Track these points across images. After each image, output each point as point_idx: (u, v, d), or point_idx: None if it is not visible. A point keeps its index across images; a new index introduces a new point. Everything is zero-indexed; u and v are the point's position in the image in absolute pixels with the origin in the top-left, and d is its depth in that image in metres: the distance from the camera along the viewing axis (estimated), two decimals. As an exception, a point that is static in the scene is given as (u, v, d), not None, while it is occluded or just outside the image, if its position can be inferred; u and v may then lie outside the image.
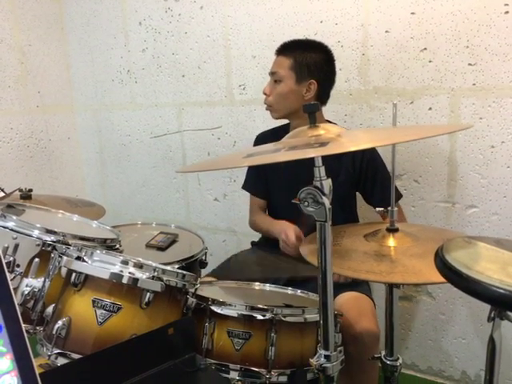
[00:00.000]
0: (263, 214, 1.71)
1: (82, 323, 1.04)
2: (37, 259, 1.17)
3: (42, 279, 1.17)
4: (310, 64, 1.47)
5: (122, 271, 1.06)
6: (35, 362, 0.60)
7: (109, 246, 1.31)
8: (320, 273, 0.91)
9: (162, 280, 1.06)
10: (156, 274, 1.07)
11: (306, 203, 0.87)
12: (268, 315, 1.09)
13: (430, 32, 1.60)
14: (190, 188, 2.34)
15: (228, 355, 1.10)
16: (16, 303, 0.59)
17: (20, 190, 1.65)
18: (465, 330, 1.74)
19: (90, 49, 2.53)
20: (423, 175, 1.71)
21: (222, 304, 1.12)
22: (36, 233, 1.19)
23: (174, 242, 1.71)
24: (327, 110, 1.61)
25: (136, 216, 2.51)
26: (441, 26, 1.58)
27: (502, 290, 0.60)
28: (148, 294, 1.05)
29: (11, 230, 1.18)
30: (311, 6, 1.81)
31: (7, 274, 0.59)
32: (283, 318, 1.10)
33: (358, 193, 1.63)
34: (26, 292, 1.15)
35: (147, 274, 1.07)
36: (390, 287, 1.11)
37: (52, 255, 1.17)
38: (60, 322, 1.03)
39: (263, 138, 1.68)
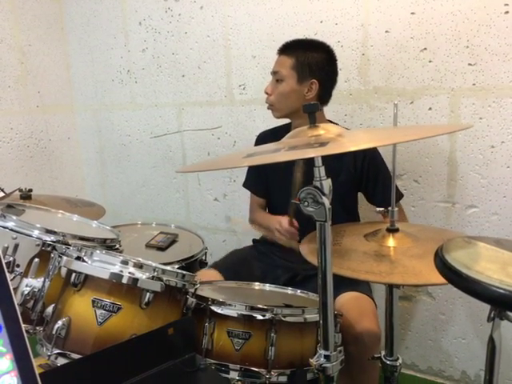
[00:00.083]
0: (262, 212, 1.72)
1: (81, 323, 1.04)
2: (37, 259, 1.17)
3: (42, 279, 1.17)
4: (311, 64, 1.47)
5: (121, 271, 1.06)
6: (35, 362, 0.60)
7: (109, 246, 1.31)
8: (320, 273, 0.91)
9: (161, 280, 1.06)
10: (156, 274, 1.07)
11: (306, 203, 0.87)
12: (268, 315, 1.09)
13: (430, 32, 1.60)
14: (189, 188, 2.34)
15: (228, 355, 1.10)
16: (16, 303, 0.59)
17: (20, 190, 1.65)
18: (465, 330, 1.74)
19: (89, 49, 2.53)
20: (423, 175, 1.71)
21: (221, 304, 1.12)
22: (36, 233, 1.19)
23: (173, 241, 1.72)
24: (327, 110, 1.61)
25: (136, 216, 2.51)
26: (441, 26, 1.58)
27: (501, 290, 0.60)
28: (148, 294, 1.05)
29: (11, 230, 1.18)
30: (311, 5, 1.81)
31: (7, 274, 0.59)
32: (283, 318, 1.10)
33: (359, 193, 1.63)
34: (26, 292, 1.15)
35: (147, 274, 1.07)
36: (390, 287, 1.11)
37: (52, 255, 1.17)
38: (60, 322, 1.03)
39: (264, 138, 1.68)
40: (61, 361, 1.02)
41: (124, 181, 2.58)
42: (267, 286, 1.40)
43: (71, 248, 1.14)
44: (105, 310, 1.04)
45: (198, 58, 2.15)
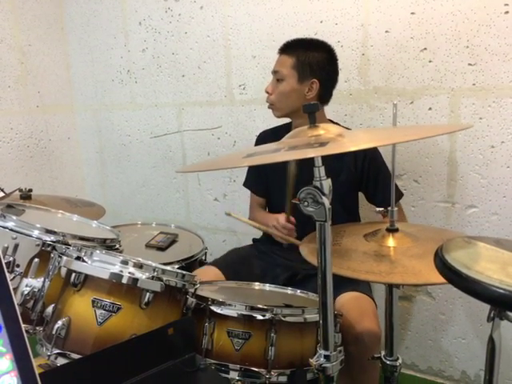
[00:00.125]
0: (262, 211, 1.72)
1: (81, 323, 1.04)
2: (36, 259, 1.17)
3: (42, 279, 1.17)
4: (312, 63, 1.47)
5: (121, 271, 1.06)
6: (35, 362, 0.60)
7: (108, 245, 1.31)
8: (320, 273, 0.91)
9: (161, 280, 1.06)
10: (156, 274, 1.07)
11: (306, 203, 0.87)
12: (268, 315, 1.09)
13: (430, 32, 1.60)
14: (189, 188, 2.34)
15: (228, 355, 1.10)
16: (16, 303, 0.59)
17: (20, 190, 1.65)
18: (464, 330, 1.74)
19: (89, 49, 2.53)
20: (423, 175, 1.71)
21: (221, 304, 1.12)
22: (36, 233, 1.19)
23: (173, 241, 1.72)
24: (327, 110, 1.61)
25: (136, 216, 2.51)
26: (441, 26, 1.58)
27: (501, 290, 0.60)
28: (148, 294, 1.05)
29: (11, 230, 1.18)
30: (311, 5, 1.81)
31: (7, 274, 0.59)
32: (283, 318, 1.10)
33: (359, 193, 1.63)
34: (26, 292, 1.16)
35: (147, 274, 1.07)
36: (390, 287, 1.11)
37: (52, 255, 1.17)
38: (60, 322, 1.03)
39: (264, 137, 1.68)
40: (61, 361, 1.02)
41: (124, 181, 2.58)
42: (267, 286, 1.40)
43: (71, 248, 1.14)
44: (105, 310, 1.04)
45: (198, 58, 2.15)
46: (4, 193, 1.58)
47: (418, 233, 1.13)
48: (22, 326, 0.59)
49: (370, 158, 1.54)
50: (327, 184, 0.88)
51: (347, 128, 1.56)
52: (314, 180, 0.88)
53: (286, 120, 1.64)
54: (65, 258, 1.09)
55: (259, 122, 2.02)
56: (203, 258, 1.66)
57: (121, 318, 1.04)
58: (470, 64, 1.56)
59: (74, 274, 1.06)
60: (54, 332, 1.03)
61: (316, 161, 0.87)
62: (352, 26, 1.74)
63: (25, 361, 0.59)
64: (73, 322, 1.04)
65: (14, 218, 1.21)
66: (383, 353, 1.15)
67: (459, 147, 1.63)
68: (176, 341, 1.04)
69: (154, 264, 1.12)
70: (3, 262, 0.59)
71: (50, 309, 1.11)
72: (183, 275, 1.13)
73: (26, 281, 1.17)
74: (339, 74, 1.55)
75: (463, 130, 1.58)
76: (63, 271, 1.09)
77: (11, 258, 1.16)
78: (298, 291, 1.37)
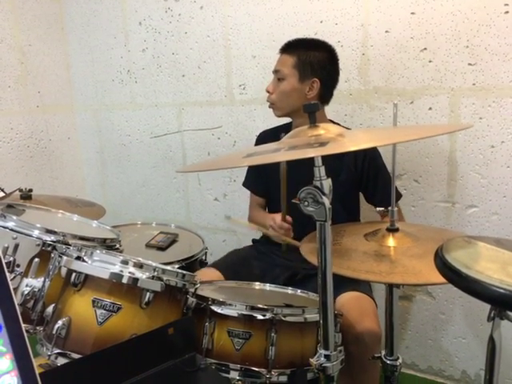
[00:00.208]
0: (261, 211, 1.72)
1: (81, 323, 1.04)
2: (37, 259, 1.17)
3: (42, 279, 1.17)
4: (313, 62, 1.47)
5: (121, 271, 1.06)
6: (35, 362, 0.60)
7: (109, 245, 1.31)
8: (320, 272, 0.91)
9: (161, 280, 1.06)
10: (156, 273, 1.07)
11: (306, 203, 0.87)
12: (268, 315, 1.09)
13: (430, 32, 1.60)
14: (190, 188, 2.34)
15: (228, 355, 1.10)
16: (16, 303, 0.59)
17: (20, 190, 1.65)
18: (465, 330, 1.74)
19: (90, 49, 2.53)
20: (423, 175, 1.71)
21: (222, 304, 1.12)
22: (36, 233, 1.19)
23: (174, 241, 1.72)
24: (327, 110, 1.61)
25: (136, 216, 2.50)
26: (441, 26, 1.58)
27: (501, 290, 0.60)
28: (148, 293, 1.05)
29: (11, 229, 1.18)
30: (311, 5, 1.81)
31: (7, 274, 0.59)
32: (283, 318, 1.10)
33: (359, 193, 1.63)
34: (26, 292, 1.16)
35: (147, 273, 1.07)
36: (390, 287, 1.11)
37: (52, 255, 1.17)
38: (60, 322, 1.03)
39: (264, 137, 1.68)
40: (61, 360, 1.02)
41: (124, 181, 2.58)
42: (267, 286, 1.40)
43: (71, 248, 1.14)
44: (105, 309, 1.04)
45: (198, 58, 2.15)
46: (4, 193, 1.58)
47: (418, 233, 1.14)
48: (23, 325, 0.59)
49: (370, 158, 1.54)
50: (327, 184, 0.88)
51: (347, 128, 1.56)
52: (314, 180, 0.88)
53: (286, 120, 1.64)
54: (65, 257, 1.09)
55: (259, 121, 2.02)
56: (203, 257, 1.66)
57: (121, 317, 1.04)
58: (470, 64, 1.56)
59: (74, 274, 1.06)
60: (54, 332, 1.03)
61: (316, 160, 0.87)
62: (352, 25, 1.74)
63: (25, 360, 0.59)
64: (73, 322, 1.04)
65: (15, 217, 1.21)
66: (383, 352, 1.15)
67: (459, 147, 1.63)
68: (176, 340, 1.04)
69: (154, 264, 1.12)
70: (3, 261, 0.59)
71: (50, 309, 1.11)
72: (183, 275, 1.13)
73: (26, 281, 1.17)
74: (340, 74, 1.55)
75: (463, 129, 1.58)
76: (63, 271, 1.09)
77: (11, 258, 1.16)
78: (299, 291, 1.37)
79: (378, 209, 1.25)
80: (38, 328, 1.15)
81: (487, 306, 0.66)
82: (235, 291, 1.39)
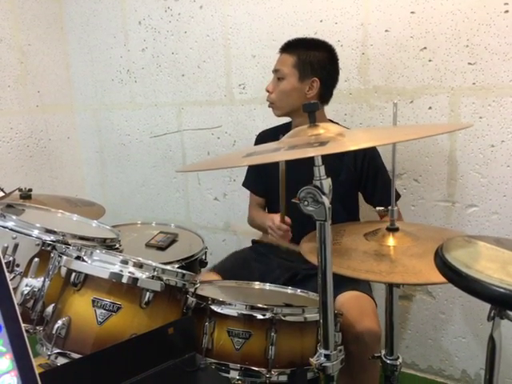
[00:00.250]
0: (261, 211, 1.72)
1: (81, 323, 1.04)
2: (36, 259, 1.17)
3: (42, 279, 1.17)
4: (313, 62, 1.47)
5: (121, 271, 1.06)
6: (35, 362, 0.60)
7: (108, 245, 1.31)
8: (320, 272, 0.90)
9: (161, 279, 1.06)
10: (156, 273, 1.07)
11: (306, 202, 0.87)
12: (268, 314, 1.09)
13: (430, 31, 1.60)
14: (189, 187, 2.33)
15: (228, 355, 1.10)
16: (16, 303, 0.59)
17: (20, 190, 1.65)
18: (465, 329, 1.74)
19: (89, 48, 2.53)
20: (423, 174, 1.71)
21: (221, 303, 1.12)
22: (36, 232, 1.19)
23: (173, 241, 1.71)
24: (327, 110, 1.61)
25: (136, 215, 2.50)
26: (441, 25, 1.58)
27: (501, 289, 0.60)
28: (148, 293, 1.05)
29: (11, 229, 1.18)
30: (311, 5, 1.80)
31: (7, 274, 0.59)
32: (283, 318, 1.10)
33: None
34: (26, 292, 1.15)
35: (147, 273, 1.07)
36: (390, 287, 1.11)
37: (52, 255, 1.17)
38: (60, 322, 1.03)
39: (264, 137, 1.68)
40: (61, 360, 1.02)
41: (124, 180, 2.58)
42: (267, 286, 1.40)
43: (71, 248, 1.14)
44: (105, 309, 1.04)
45: (198, 58, 2.15)
46: (4, 192, 1.58)
47: (418, 232, 1.13)
48: (22, 325, 0.59)
49: (370, 158, 1.54)
50: (327, 183, 0.88)
51: (346, 128, 1.56)
52: (314, 179, 0.88)
53: (286, 120, 1.63)
54: (65, 257, 1.09)
55: (259, 121, 2.02)
56: (203, 257, 1.66)
57: (121, 317, 1.04)
58: (469, 63, 1.56)
59: (74, 274, 1.06)
60: (54, 331, 1.03)
61: (316, 160, 0.87)
62: (352, 25, 1.74)
63: (25, 360, 0.59)
64: (73, 322, 1.04)
65: (14, 217, 1.20)
66: (383, 352, 1.15)
67: (459, 146, 1.63)
68: (176, 340, 1.04)
69: (154, 263, 1.12)
70: (3, 261, 0.59)
71: (50, 308, 1.11)
72: (183, 275, 1.13)
73: (25, 280, 1.17)
74: (339, 73, 1.55)
75: (463, 129, 1.58)
76: (63, 271, 1.09)
77: (11, 258, 1.16)
78: (298, 290, 1.37)
79: (377, 208, 1.25)
80: (37, 328, 1.15)
81: (487, 306, 0.66)
82: (235, 291, 1.39)
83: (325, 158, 0.86)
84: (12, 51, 2.34)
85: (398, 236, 1.09)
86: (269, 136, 1.63)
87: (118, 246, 1.34)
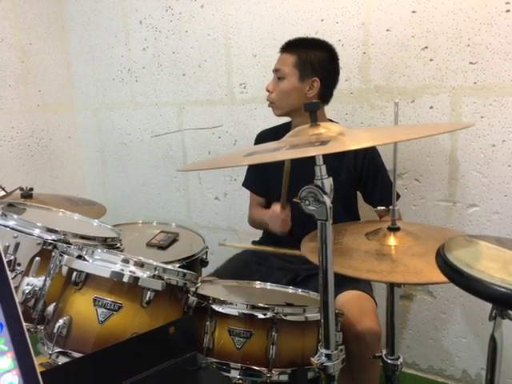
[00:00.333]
0: (260, 209, 1.72)
1: (82, 322, 1.04)
2: (38, 258, 1.17)
3: (43, 278, 1.17)
4: (313, 62, 1.47)
5: (122, 270, 1.06)
6: (36, 361, 0.60)
7: (109, 244, 1.31)
8: (321, 272, 0.90)
9: (162, 279, 1.06)
10: (157, 272, 1.07)
11: (307, 202, 0.87)
12: (269, 314, 1.09)
13: (431, 30, 1.60)
14: (190, 187, 2.34)
15: (229, 354, 1.10)
16: (17, 302, 0.59)
17: (21, 189, 1.65)
18: (466, 329, 1.74)
19: (90, 47, 2.53)
20: (424, 174, 1.71)
21: (222, 303, 1.12)
22: (37, 232, 1.19)
23: (174, 240, 1.71)
24: (328, 109, 1.61)
25: (137, 215, 2.51)
26: (442, 25, 1.58)
27: (503, 289, 0.60)
28: (149, 292, 1.04)
29: (12, 228, 1.18)
30: (312, 4, 1.80)
31: (8, 273, 0.59)
32: (284, 317, 1.10)
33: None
34: (27, 291, 1.15)
35: (148, 272, 1.07)
36: (391, 286, 1.11)
37: (53, 254, 1.17)
38: (61, 321, 1.03)
39: (264, 137, 1.68)
40: (62, 359, 1.02)
41: (125, 180, 2.58)
42: (268, 285, 1.40)
43: (72, 247, 1.14)
44: (106, 308, 1.04)
45: (199, 57, 2.15)
46: (5, 192, 1.58)
47: (419, 232, 1.13)
48: (24, 324, 0.59)
49: (370, 158, 1.54)
50: (328, 183, 0.88)
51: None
52: (315, 179, 0.88)
53: (286, 119, 1.63)
54: (66, 256, 1.09)
55: (260, 120, 2.02)
56: (204, 256, 1.66)
57: (122, 316, 1.04)
58: (471, 62, 1.56)
59: (75, 273, 1.06)
60: (55, 331, 1.03)
61: (317, 159, 0.87)
62: (353, 24, 1.74)
63: (26, 359, 0.59)
64: (74, 321, 1.04)
65: (15, 216, 1.20)
66: (384, 352, 1.15)
67: (460, 146, 1.62)
68: (177, 340, 1.04)
69: (155, 263, 1.11)
70: (4, 260, 0.59)
71: (51, 307, 1.11)
72: (184, 274, 1.13)
73: (27, 279, 1.16)
74: (340, 73, 1.55)
75: (464, 128, 1.58)
76: (64, 270, 1.09)
77: (12, 257, 1.16)
78: (299, 290, 1.37)
79: (378, 208, 1.25)
80: (38, 327, 1.15)
81: (488, 306, 0.66)
82: (236, 290, 1.39)
83: (325, 157, 0.86)
84: (13, 50, 2.34)
85: (399, 236, 1.09)
86: (269, 136, 1.63)
87: (118, 245, 1.34)
